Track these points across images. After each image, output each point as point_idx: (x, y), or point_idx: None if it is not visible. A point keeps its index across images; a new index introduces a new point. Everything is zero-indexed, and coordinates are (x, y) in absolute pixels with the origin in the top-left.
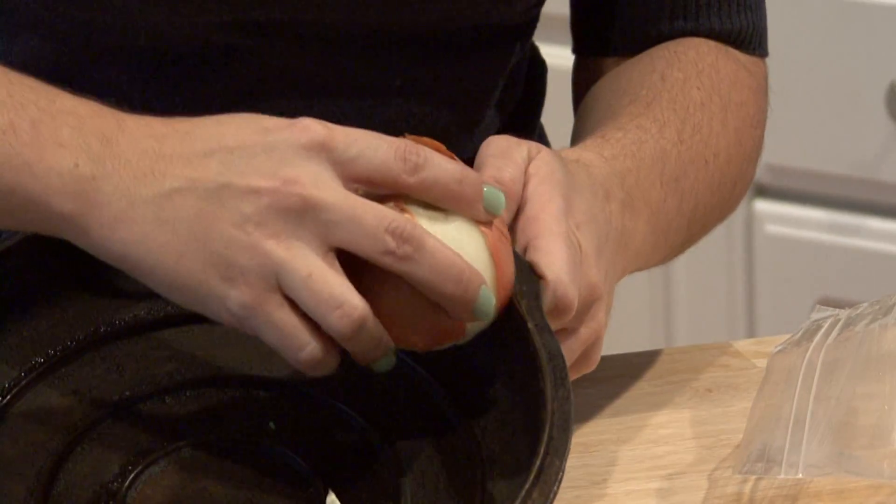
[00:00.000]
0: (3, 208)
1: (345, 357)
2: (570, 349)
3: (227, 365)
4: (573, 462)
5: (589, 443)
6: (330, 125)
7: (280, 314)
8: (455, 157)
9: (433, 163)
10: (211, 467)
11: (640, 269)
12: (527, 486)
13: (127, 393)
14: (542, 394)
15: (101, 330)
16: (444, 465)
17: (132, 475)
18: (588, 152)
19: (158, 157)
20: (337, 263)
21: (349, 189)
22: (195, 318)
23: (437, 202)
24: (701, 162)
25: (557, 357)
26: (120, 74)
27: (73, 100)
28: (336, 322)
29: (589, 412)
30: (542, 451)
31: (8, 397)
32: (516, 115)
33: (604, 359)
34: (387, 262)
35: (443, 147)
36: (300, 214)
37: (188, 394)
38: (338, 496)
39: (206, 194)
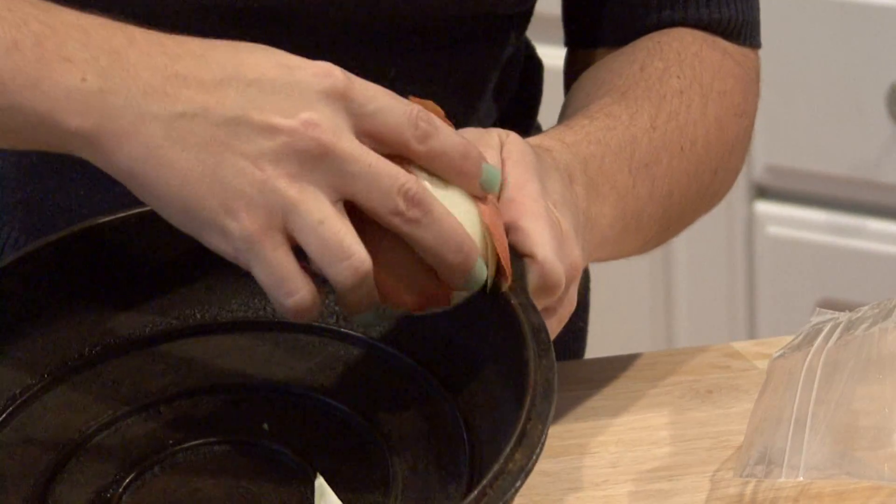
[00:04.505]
0: (9, 126)
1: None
2: (550, 328)
3: (223, 374)
4: (573, 464)
5: (589, 444)
6: (350, 74)
7: (278, 254)
8: (452, 124)
9: (443, 134)
10: (206, 468)
11: (612, 258)
12: (509, 447)
13: (124, 407)
14: (527, 365)
15: (97, 347)
16: (434, 449)
17: (127, 481)
18: (549, 139)
19: (171, 76)
20: (345, 214)
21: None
22: (191, 332)
23: (439, 172)
24: (676, 148)
25: (542, 331)
26: None
27: (77, 13)
28: (341, 272)
29: (589, 413)
30: (523, 416)
31: (4, 415)
32: (512, 113)
33: (604, 360)
34: (394, 222)
35: (442, 112)
36: (317, 160)
37: (184, 403)
38: (330, 484)
39: (220, 122)
